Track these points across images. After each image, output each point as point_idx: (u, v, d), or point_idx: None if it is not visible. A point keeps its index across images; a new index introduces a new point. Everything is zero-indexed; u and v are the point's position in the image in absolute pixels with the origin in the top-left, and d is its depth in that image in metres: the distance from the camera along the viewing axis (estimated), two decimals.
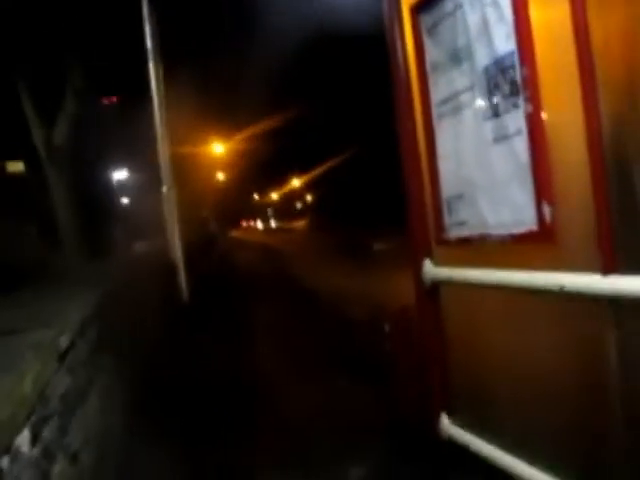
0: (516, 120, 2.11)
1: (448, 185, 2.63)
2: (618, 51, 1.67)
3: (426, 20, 2.66)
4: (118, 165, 25.44)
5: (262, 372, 5.13)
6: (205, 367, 5.27)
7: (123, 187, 26.69)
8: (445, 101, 2.60)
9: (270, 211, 74.66)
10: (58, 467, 1.98)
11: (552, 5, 1.89)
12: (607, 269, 1.72)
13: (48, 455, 1.88)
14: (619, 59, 1.67)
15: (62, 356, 2.30)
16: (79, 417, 2.39)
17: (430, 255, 2.78)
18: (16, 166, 14.40)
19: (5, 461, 1.58)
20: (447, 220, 2.65)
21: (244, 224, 70.79)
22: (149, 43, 6.11)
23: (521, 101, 2.07)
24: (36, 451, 1.78)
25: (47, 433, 1.89)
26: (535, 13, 1.97)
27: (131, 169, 26.10)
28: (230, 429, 3.80)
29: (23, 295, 5.26)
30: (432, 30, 2.64)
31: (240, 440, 3.60)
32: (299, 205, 63.66)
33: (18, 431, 1.66)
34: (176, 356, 5.48)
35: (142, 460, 3.25)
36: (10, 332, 2.66)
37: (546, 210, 1.98)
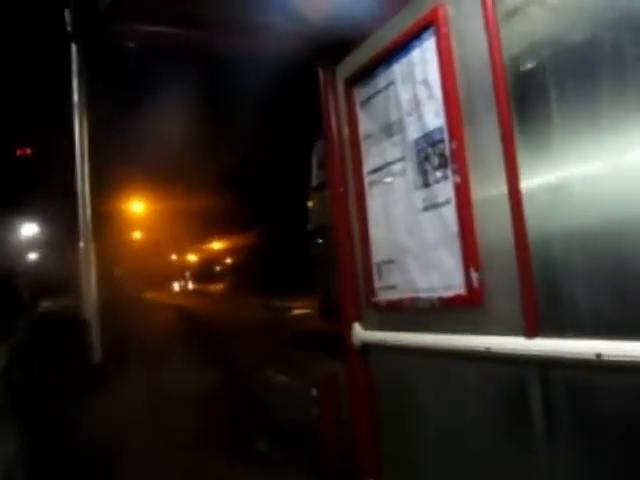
0: (445, 190, 2.24)
1: (379, 250, 2.71)
2: (538, 124, 1.84)
3: (360, 93, 2.82)
4: (28, 219, 24.24)
5: (179, 439, 4.87)
6: (113, 439, 4.93)
7: (32, 242, 25.34)
8: (377, 170, 2.72)
9: (188, 273, 72.96)
10: None
11: (478, 84, 2.06)
12: (531, 332, 1.82)
13: None
14: (539, 131, 1.84)
15: None
16: None
17: (360, 318, 2.82)
18: None
19: None
20: (377, 284, 2.71)
21: (175, 285, 68.21)
22: (76, 97, 5.96)
23: (450, 173, 2.21)
24: None
25: None
26: (463, 91, 2.14)
27: (42, 224, 24.92)
28: None
29: None
30: (365, 103, 2.79)
31: None
32: (218, 268, 62.75)
33: None
34: (81, 422, 5.12)
35: None
36: None
37: (473, 275, 2.08)
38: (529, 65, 1.87)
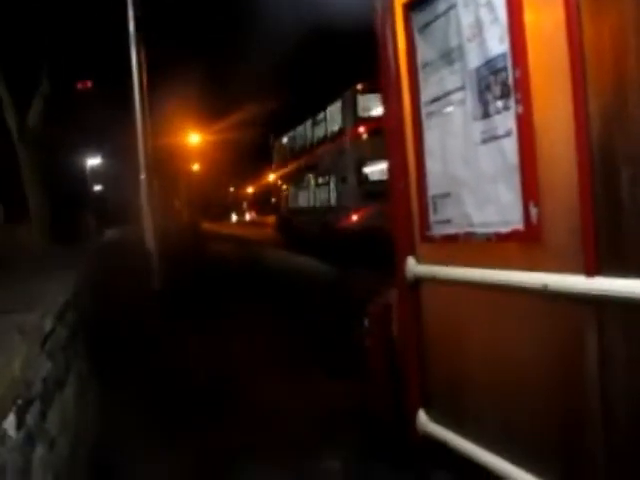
0: (506, 121, 2.14)
1: (434, 183, 2.66)
2: (609, 54, 1.71)
3: (418, 19, 2.68)
4: (92, 151, 25.03)
5: (234, 364, 5.10)
6: (176, 356, 5.26)
7: (96, 173, 26.30)
8: (435, 100, 2.62)
9: (245, 204, 74.13)
10: (38, 453, 1.95)
11: (546, 8, 1.92)
12: (591, 271, 1.77)
13: (30, 440, 1.86)
14: (610, 62, 1.71)
15: (45, 340, 2.28)
16: (57, 402, 2.36)
17: (414, 252, 2.80)
18: None
19: None
20: (432, 218, 2.68)
21: (233, 216, 68.69)
22: (131, 27, 5.98)
23: (512, 103, 2.10)
24: (20, 436, 1.75)
25: (30, 418, 1.86)
26: (529, 15, 2.00)
27: (105, 156, 25.71)
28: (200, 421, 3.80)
29: None
30: (424, 29, 2.66)
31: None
32: (274, 199, 63.30)
33: (5, 415, 1.64)
34: (145, 344, 5.48)
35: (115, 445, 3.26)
36: None
37: (532, 210, 2.02)
38: None
